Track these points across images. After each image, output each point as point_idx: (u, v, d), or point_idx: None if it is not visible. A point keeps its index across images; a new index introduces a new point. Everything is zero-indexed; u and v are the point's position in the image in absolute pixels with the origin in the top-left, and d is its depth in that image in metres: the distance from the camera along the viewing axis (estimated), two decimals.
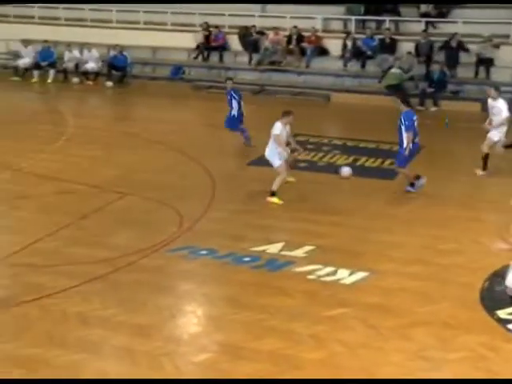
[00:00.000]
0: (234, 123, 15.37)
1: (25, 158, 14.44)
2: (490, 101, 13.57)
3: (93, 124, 17.73)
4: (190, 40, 22.88)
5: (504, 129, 13.35)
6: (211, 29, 22.67)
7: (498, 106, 13.29)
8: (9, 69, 23.47)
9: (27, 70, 23.03)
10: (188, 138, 15.08)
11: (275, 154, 12.02)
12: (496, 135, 13.36)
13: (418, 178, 12.46)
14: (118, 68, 22.49)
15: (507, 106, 13.34)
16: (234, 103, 15.32)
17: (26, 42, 23.22)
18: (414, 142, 12.17)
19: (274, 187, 12.00)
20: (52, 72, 22.77)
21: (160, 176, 13.43)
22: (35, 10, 24.65)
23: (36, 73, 22.84)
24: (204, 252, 10.01)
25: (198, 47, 22.78)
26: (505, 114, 13.18)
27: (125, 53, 22.58)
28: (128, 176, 13.48)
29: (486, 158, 13.48)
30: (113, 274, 9.37)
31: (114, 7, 23.67)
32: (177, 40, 22.92)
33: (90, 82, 22.56)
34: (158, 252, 10.05)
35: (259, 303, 8.57)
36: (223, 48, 22.67)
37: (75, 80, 22.68)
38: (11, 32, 24.04)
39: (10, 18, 24.91)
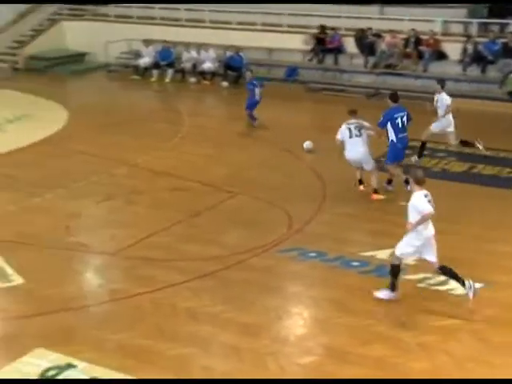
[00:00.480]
0: (253, 106, 17.30)
1: (141, 154, 14.96)
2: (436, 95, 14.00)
3: (207, 123, 18.13)
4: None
5: (448, 120, 13.82)
6: (327, 31, 22.63)
7: (442, 99, 13.81)
8: (130, 68, 24.35)
9: (147, 70, 23.79)
10: (299, 139, 15.14)
11: (369, 155, 12.29)
12: (438, 127, 13.95)
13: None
14: (233, 68, 22.86)
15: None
16: (257, 90, 17.17)
17: (147, 42, 24.00)
18: (398, 138, 12.25)
19: (375, 185, 12.26)
20: (170, 71, 23.43)
21: (270, 176, 13.56)
22: (157, 11, 25.44)
23: (155, 72, 23.56)
24: (313, 254, 10.04)
25: (312, 49, 22.81)
26: (447, 102, 13.72)
27: (241, 53, 22.93)
28: (239, 175, 13.69)
29: (422, 145, 14.22)
30: (223, 271, 9.56)
31: (233, 8, 24.08)
32: (292, 41, 23.02)
33: (207, 82, 23.05)
34: (267, 252, 10.16)
35: (366, 308, 8.51)
36: (339, 50, 22.56)
37: (192, 80, 23.23)
38: (134, 32, 24.93)
39: (133, 19, 25.83)
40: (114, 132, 16.94)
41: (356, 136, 12.13)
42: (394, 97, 12.53)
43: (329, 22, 22.90)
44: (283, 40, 23.26)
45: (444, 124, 13.91)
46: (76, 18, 26.97)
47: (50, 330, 8.14)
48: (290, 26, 23.70)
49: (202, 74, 23.32)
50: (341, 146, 12.27)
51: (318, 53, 22.85)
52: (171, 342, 7.83)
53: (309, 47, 22.85)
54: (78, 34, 26.41)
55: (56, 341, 7.84)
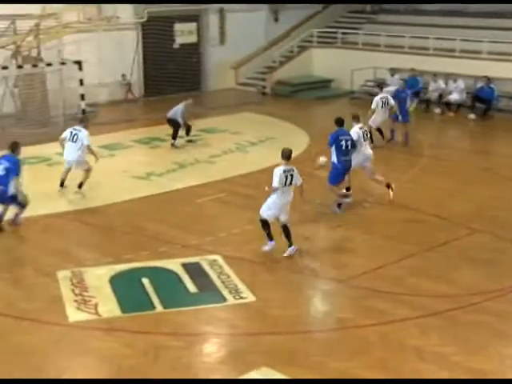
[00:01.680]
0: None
1: (402, 188, 14.63)
2: None
3: (448, 155, 17.64)
4: None
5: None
6: None
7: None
8: (374, 96, 24.51)
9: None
10: None
11: None
12: None
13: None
14: (483, 100, 22.07)
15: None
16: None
17: (393, 71, 24.01)
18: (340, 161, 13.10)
19: None
20: (415, 101, 23.21)
21: None
22: (406, 40, 25.41)
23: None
24: None
25: None
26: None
27: (492, 85, 22.08)
28: (480, 212, 13.14)
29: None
30: (453, 311, 9.22)
31: (485, 38, 23.30)
32: None
33: (452, 114, 22.49)
34: (504, 296, 9.62)
35: None
36: None
37: (437, 110, 22.81)
38: (380, 60, 25.16)
39: (380, 47, 26.04)
40: None
41: None
42: (339, 121, 13.39)
43: None
44: None
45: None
46: (325, 46, 27.80)
47: (274, 350, 8.39)
48: None
49: (447, 105, 22.79)
50: None
51: None
52: (394, 376, 7.69)
53: None
54: (325, 61, 27.23)
55: (279, 361, 8.06)
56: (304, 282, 10.53)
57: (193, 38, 27.24)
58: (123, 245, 11.77)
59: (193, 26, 27.13)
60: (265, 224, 11.22)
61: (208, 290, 10.13)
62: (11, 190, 12.22)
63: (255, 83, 27.54)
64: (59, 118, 19.93)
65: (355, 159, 13.45)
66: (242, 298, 9.82)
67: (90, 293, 9.88)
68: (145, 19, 24.84)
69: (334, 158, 13.14)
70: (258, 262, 11.03)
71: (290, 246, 11.23)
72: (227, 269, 10.69)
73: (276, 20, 29.03)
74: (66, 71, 20.09)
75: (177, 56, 26.73)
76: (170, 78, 26.31)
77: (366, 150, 13.84)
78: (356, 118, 13.96)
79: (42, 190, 14.37)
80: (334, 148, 13.09)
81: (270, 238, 11.25)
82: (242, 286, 10.10)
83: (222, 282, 10.26)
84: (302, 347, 8.49)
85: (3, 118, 19.70)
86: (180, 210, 13.53)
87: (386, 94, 18.46)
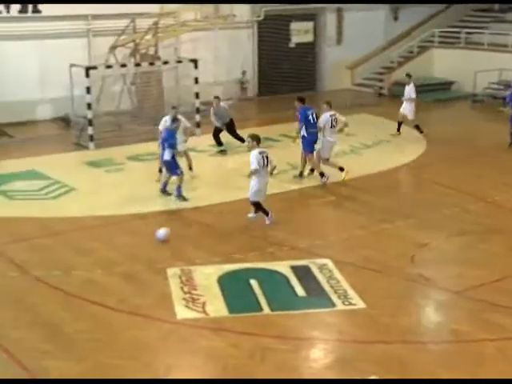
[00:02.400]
0: None
1: (500, 191, 14.46)
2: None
3: None
4: None
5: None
6: None
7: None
8: (498, 99, 23.70)
9: None
10: None
11: None
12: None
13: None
14: None
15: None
16: None
17: None
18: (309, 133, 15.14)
19: None
20: None
21: None
22: None
23: None
24: None
25: None
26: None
27: None
28: None
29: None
30: None
31: None
32: None
33: None
34: None
35: None
36: None
37: None
38: (507, 62, 24.32)
39: (508, 48, 25.17)
40: (472, 165, 16.67)
41: None
42: (302, 99, 15.68)
43: None
44: None
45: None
46: (447, 46, 27.15)
47: (384, 359, 8.26)
48: None
49: None
50: None
51: None
52: None
53: None
54: (446, 62, 26.61)
55: (388, 371, 7.93)
56: (416, 290, 10.32)
57: (309, 38, 27.29)
58: (232, 245, 11.92)
59: (309, 25, 27.18)
60: (257, 204, 12.73)
61: (316, 294, 10.10)
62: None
63: (371, 84, 27.27)
64: None
65: (319, 144, 15.36)
66: (351, 303, 9.73)
67: (198, 291, 10.06)
68: (261, 18, 25.10)
69: (304, 132, 15.13)
70: (368, 268, 10.90)
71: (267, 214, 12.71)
72: (337, 273, 10.63)
73: (396, 19, 28.64)
74: (181, 69, 20.57)
75: (292, 55, 26.85)
76: (285, 78, 26.47)
77: (331, 136, 15.41)
78: (329, 105, 15.52)
79: (154, 187, 14.77)
80: (304, 123, 15.10)
81: (266, 213, 12.69)
82: (351, 292, 10.01)
83: (331, 287, 10.20)
84: (413, 358, 8.32)
85: (120, 114, 20.40)
86: (291, 210, 13.55)
87: None
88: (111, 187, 15.34)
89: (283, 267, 10.90)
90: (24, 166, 16.61)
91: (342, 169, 15.47)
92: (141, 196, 14.53)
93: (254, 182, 12.61)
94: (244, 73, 25.27)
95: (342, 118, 15.74)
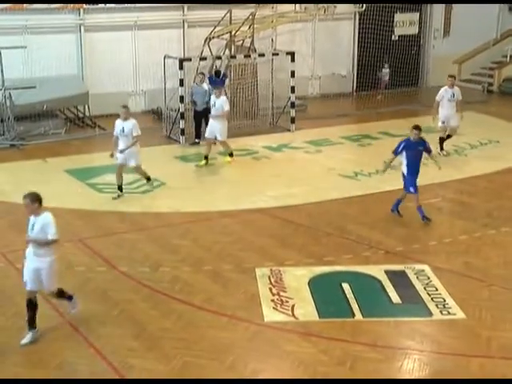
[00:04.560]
0: None
1: None
2: None
3: None
4: None
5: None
6: None
7: None
8: None
9: None
10: None
11: None
12: None
13: None
14: None
15: None
16: None
17: None
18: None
19: None
20: None
21: None
22: None
23: None
24: None
25: None
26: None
27: None
28: None
29: None
30: None
31: None
32: None
33: None
34: None
35: None
36: None
37: None
38: None
39: None
40: None
41: None
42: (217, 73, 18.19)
43: None
44: None
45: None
46: None
47: (485, 375, 8.08)
48: None
49: None
50: None
51: None
52: None
53: None
54: None
55: None
56: None
57: (413, 30, 26.86)
58: (324, 246, 11.90)
59: (415, 16, 26.73)
60: None
61: (412, 301, 9.96)
62: None
63: (480, 80, 26.59)
64: (267, 111, 20.56)
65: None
66: (450, 313, 9.55)
67: (287, 293, 10.10)
68: (363, 9, 24.90)
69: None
70: (469, 276, 10.66)
71: None
72: (435, 280, 10.46)
73: (511, 10, 27.80)
74: (277, 62, 20.67)
75: (394, 48, 26.49)
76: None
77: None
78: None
79: (246, 183, 14.92)
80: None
81: None
82: (450, 301, 9.82)
83: (429, 295, 10.04)
84: None
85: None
86: (387, 213, 13.41)
87: None
88: (201, 183, 15.58)
89: (377, 271, 10.80)
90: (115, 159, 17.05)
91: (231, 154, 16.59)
92: (231, 193, 14.70)
93: None
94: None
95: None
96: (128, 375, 8.10)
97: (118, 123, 14.27)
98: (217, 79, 18.43)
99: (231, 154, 16.81)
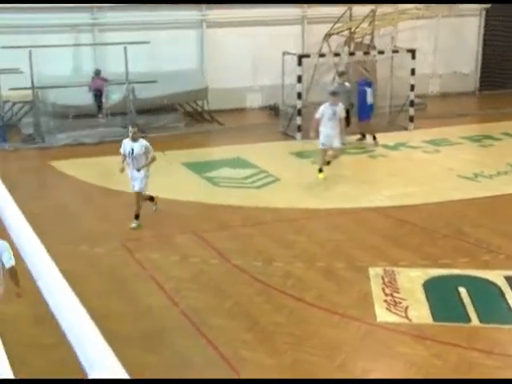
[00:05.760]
0: None
1: None
2: None
3: None
4: None
5: None
6: None
7: None
8: None
9: None
10: None
11: None
12: None
13: None
14: None
15: None
16: None
17: None
18: None
19: None
20: None
21: None
22: None
23: None
24: None
25: None
26: None
27: None
28: None
29: None
30: None
31: None
32: None
33: None
34: None
35: None
36: None
37: None
38: None
39: None
40: None
41: None
42: None
43: None
44: None
45: None
46: None
47: None
48: None
49: None
50: None
51: None
52: None
53: None
54: None
55: None
56: None
57: None
58: (441, 248, 11.64)
59: None
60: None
61: None
62: None
63: None
64: (385, 109, 20.32)
65: None
66: None
67: (401, 294, 9.94)
68: (489, 5, 24.20)
69: None
70: None
71: None
72: None
73: None
74: (397, 59, 20.39)
75: None
76: None
77: None
78: None
79: (362, 181, 14.80)
80: None
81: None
82: None
83: None
84: None
85: None
86: (510, 216, 12.98)
87: None
88: (317, 179, 15.56)
89: (496, 277, 10.46)
90: (231, 154, 17.33)
91: None
92: (347, 191, 14.62)
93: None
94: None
95: None
96: (239, 367, 8.18)
97: (127, 144, 12.39)
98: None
99: (321, 170, 15.31)
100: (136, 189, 12.36)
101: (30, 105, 18.85)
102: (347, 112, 16.31)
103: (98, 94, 19.47)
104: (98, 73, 19.69)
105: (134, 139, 12.30)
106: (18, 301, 8.07)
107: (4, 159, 16.40)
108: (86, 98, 19.17)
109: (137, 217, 12.45)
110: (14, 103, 19.19)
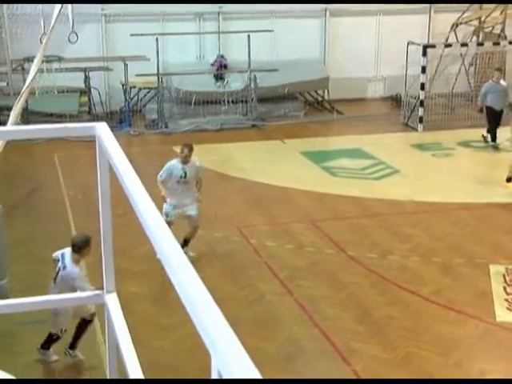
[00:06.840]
0: None
1: None
2: None
3: None
4: None
5: None
6: None
7: None
8: None
9: None
10: None
11: None
12: None
13: None
14: None
15: None
16: None
17: None
18: None
19: None
20: None
21: None
22: None
23: None
24: None
25: None
26: None
27: None
28: None
29: None
30: None
31: None
32: None
33: None
34: None
35: None
36: None
37: None
38: None
39: None
40: None
41: None
42: None
43: None
44: None
45: None
46: None
47: None
48: None
49: None
50: None
51: None
52: None
53: None
54: None
55: None
56: None
57: None
58: None
59: None
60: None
61: None
62: None
63: None
64: None
65: None
66: None
67: None
68: None
69: None
70: None
71: None
72: None
73: None
74: None
75: None
76: None
77: None
78: None
79: (485, 176, 14.40)
80: None
81: None
82: None
83: None
84: None
85: (454, 97, 20.06)
86: None
87: None
88: (437, 173, 15.26)
89: None
90: (350, 144, 17.22)
91: None
92: (467, 185, 14.25)
93: None
94: None
95: None
96: (350, 358, 8.18)
97: (177, 166, 10.74)
98: None
99: (509, 180, 14.03)
100: (193, 213, 10.75)
101: (155, 91, 19.34)
102: (500, 113, 15.96)
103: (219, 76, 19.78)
104: (222, 56, 20.20)
105: (186, 162, 10.72)
106: (133, 282, 8.33)
107: (128, 143, 16.92)
108: (209, 84, 19.51)
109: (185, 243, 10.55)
110: (140, 89, 19.74)
